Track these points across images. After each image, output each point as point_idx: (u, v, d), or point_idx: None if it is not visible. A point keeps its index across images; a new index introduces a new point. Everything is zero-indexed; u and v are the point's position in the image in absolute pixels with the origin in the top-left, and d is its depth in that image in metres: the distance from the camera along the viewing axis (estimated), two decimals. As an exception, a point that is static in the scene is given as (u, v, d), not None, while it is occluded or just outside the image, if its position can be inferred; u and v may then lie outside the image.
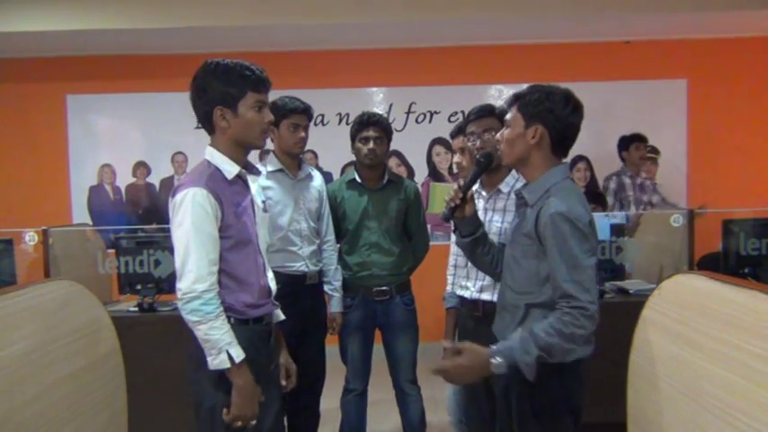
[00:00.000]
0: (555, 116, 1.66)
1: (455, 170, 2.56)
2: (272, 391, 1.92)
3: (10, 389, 1.40)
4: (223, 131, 1.79)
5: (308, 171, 2.70)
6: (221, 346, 1.67)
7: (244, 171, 1.85)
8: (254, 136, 1.81)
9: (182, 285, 1.69)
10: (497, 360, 1.54)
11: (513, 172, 2.12)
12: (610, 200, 4.48)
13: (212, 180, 1.75)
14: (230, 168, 1.80)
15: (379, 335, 2.77)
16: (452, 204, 1.78)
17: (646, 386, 1.71)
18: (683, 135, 4.72)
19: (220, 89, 1.76)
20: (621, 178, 4.48)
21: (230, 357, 1.67)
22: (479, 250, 1.87)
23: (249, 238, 1.83)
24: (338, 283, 2.72)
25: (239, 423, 1.72)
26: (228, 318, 1.76)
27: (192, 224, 1.69)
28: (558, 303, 1.56)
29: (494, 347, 1.57)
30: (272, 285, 1.94)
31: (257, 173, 1.96)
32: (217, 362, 1.68)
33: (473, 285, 2.18)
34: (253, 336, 1.84)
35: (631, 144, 4.50)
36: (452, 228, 1.90)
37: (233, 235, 1.77)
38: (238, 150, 1.83)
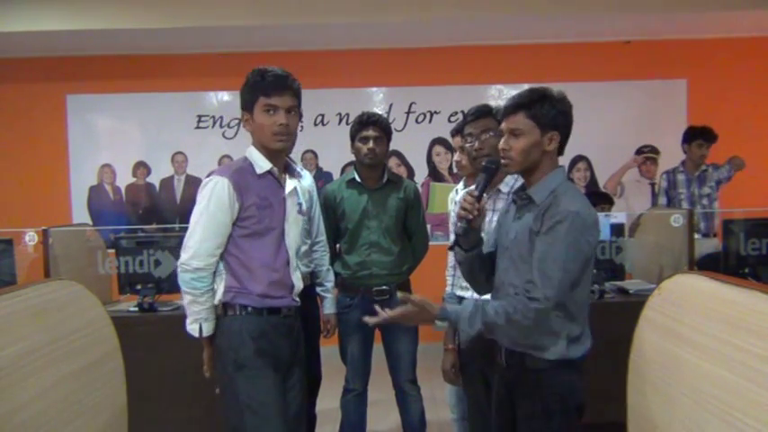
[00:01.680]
0: (566, 120, 1.70)
1: (455, 170, 2.56)
2: (293, 386, 2.00)
3: (10, 389, 1.39)
4: (251, 134, 1.98)
5: (296, 170, 2.68)
6: (198, 318, 1.92)
7: (276, 169, 1.97)
8: (266, 138, 1.94)
9: (182, 256, 1.91)
10: (441, 324, 1.65)
11: None
12: (662, 199, 4.30)
13: (239, 172, 1.92)
14: (262, 164, 1.95)
15: (378, 335, 2.77)
16: (471, 217, 1.72)
17: (646, 386, 1.71)
18: (683, 134, 4.71)
19: (244, 96, 1.95)
20: (674, 175, 4.28)
21: (200, 330, 1.92)
22: (478, 263, 1.84)
23: (268, 230, 1.93)
24: (330, 284, 2.70)
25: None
26: (245, 307, 1.91)
27: (205, 208, 1.88)
28: (524, 287, 1.62)
29: (445, 309, 1.66)
30: (297, 282, 2.01)
31: (297, 175, 2.11)
32: (190, 327, 1.94)
33: None
34: (266, 327, 1.93)
35: (694, 140, 4.20)
36: (450, 245, 1.85)
37: (250, 225, 1.91)
38: (264, 151, 1.97)
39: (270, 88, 1.89)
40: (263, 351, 1.90)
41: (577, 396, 1.68)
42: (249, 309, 1.91)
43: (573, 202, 1.62)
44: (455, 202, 2.53)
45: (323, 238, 2.73)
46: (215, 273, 1.93)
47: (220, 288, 1.93)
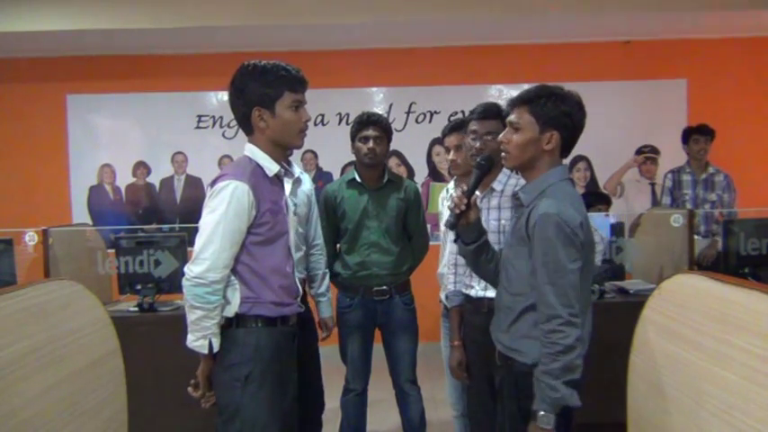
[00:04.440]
0: (571, 121, 1.65)
1: (450, 170, 2.57)
2: (287, 393, 1.92)
3: (10, 389, 1.39)
4: (262, 132, 1.83)
5: (296, 175, 2.66)
6: (207, 333, 1.77)
7: (282, 170, 1.88)
8: (291, 135, 1.85)
9: (194, 268, 1.74)
10: (541, 413, 1.53)
11: (505, 169, 2.12)
12: (666, 199, 4.25)
13: (254, 176, 1.79)
14: (270, 166, 1.84)
15: (379, 335, 2.77)
16: (457, 211, 1.73)
17: (646, 386, 1.71)
18: (681, 135, 4.70)
19: (258, 90, 1.79)
20: (679, 175, 4.21)
21: (210, 346, 1.77)
22: (483, 258, 1.83)
23: (279, 236, 1.85)
24: (325, 288, 2.68)
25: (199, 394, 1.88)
26: (257, 320, 1.81)
27: (224, 215, 1.73)
28: (533, 313, 1.58)
29: (535, 412, 1.54)
30: (299, 287, 1.97)
31: (291, 175, 1.99)
32: (197, 344, 1.77)
33: (478, 284, 2.18)
34: (280, 339, 1.86)
35: (690, 137, 4.16)
36: (454, 237, 1.87)
37: (264, 232, 1.81)
38: (277, 150, 1.87)
39: (297, 84, 1.82)
40: (274, 366, 1.82)
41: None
42: (262, 320, 1.81)
43: (552, 205, 1.57)
44: (444, 202, 2.60)
45: (320, 241, 2.70)
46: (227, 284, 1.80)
47: (235, 300, 1.80)
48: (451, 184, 2.62)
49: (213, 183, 1.80)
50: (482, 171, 1.83)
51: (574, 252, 1.56)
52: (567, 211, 1.56)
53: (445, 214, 2.57)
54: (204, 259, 1.73)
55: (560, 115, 1.64)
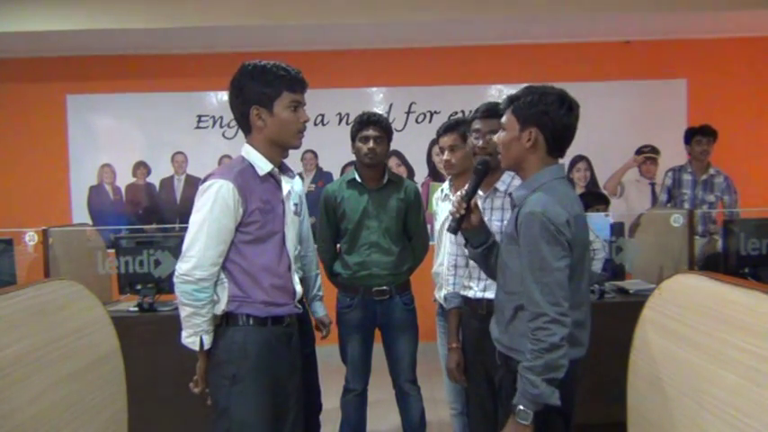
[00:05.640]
0: (549, 118, 1.66)
1: (444, 169, 2.59)
2: (289, 399, 1.91)
3: (10, 389, 1.40)
4: (259, 131, 1.84)
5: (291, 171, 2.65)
6: (198, 330, 1.80)
7: (276, 170, 1.89)
8: (289, 135, 1.86)
9: (182, 266, 1.78)
10: (520, 408, 1.54)
11: None
12: (663, 197, 4.24)
13: (242, 175, 1.81)
14: (263, 165, 1.85)
15: (378, 335, 2.77)
16: (458, 216, 1.74)
17: (646, 386, 1.71)
18: (683, 135, 4.71)
19: (257, 89, 1.81)
20: (680, 174, 4.21)
21: (201, 343, 1.80)
22: (493, 260, 1.83)
23: (270, 235, 1.85)
24: (317, 289, 2.68)
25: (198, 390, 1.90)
26: (247, 319, 1.82)
27: (209, 213, 1.76)
28: (525, 311, 1.58)
29: (512, 404, 1.57)
30: (298, 287, 1.96)
31: (292, 176, 1.99)
32: (189, 340, 1.81)
33: (476, 285, 2.18)
34: (271, 338, 1.85)
35: (693, 138, 4.17)
36: (464, 241, 1.87)
37: (253, 231, 1.82)
38: (274, 150, 1.88)
39: (296, 84, 1.84)
40: (263, 366, 1.82)
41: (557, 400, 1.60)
42: (252, 319, 1.82)
43: (538, 203, 1.58)
44: (439, 202, 2.64)
45: (311, 242, 2.71)
46: (216, 282, 1.81)
47: (224, 297, 1.82)
48: (446, 184, 2.64)
49: (203, 181, 1.82)
50: (479, 176, 1.84)
51: (560, 250, 1.55)
52: (552, 209, 1.56)
53: (439, 213, 2.61)
54: (191, 257, 1.76)
55: (537, 113, 1.66)
